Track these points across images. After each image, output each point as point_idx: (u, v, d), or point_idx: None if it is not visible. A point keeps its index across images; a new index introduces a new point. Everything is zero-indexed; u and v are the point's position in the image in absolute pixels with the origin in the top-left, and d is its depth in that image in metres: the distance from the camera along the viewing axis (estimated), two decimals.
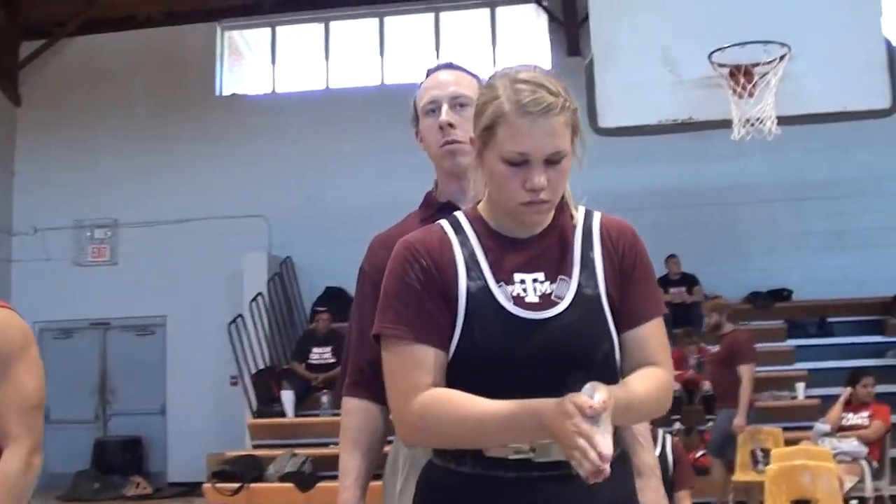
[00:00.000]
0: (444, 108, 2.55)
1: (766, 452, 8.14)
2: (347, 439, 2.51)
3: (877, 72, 6.91)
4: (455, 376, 1.98)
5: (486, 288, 1.99)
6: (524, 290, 2.00)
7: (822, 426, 8.04)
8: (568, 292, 2.00)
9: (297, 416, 11.45)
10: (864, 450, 7.78)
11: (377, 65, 14.71)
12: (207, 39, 14.40)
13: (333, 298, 12.88)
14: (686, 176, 13.04)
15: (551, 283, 2.01)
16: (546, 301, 1.98)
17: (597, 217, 2.12)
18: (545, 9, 14.70)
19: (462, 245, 2.04)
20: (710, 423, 9.48)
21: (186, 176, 13.74)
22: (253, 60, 15.04)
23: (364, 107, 13.77)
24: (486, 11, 15.08)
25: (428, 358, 1.97)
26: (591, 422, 1.75)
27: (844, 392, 8.39)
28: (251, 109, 14.08)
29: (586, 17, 14.02)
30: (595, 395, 1.78)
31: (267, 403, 11.77)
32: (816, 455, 6.31)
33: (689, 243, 12.49)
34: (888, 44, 6.94)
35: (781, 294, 12.80)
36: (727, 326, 8.99)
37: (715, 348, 9.64)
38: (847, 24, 6.97)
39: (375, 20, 14.84)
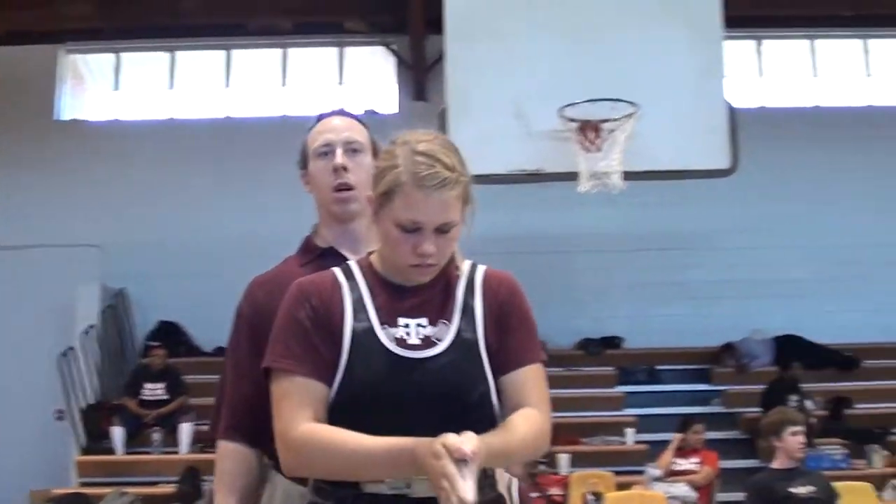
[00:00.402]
0: (339, 151, 2.61)
1: (598, 496, 8.39)
2: (223, 483, 2.53)
3: (718, 133, 7.31)
4: (339, 411, 2.07)
5: (371, 329, 2.11)
6: (407, 333, 2.12)
7: (653, 471, 8.35)
8: (447, 335, 2.13)
9: (127, 453, 11.17)
10: (693, 495, 8.12)
11: (223, 97, 14.64)
12: (48, 62, 14.02)
13: (168, 333, 12.69)
14: (524, 223, 13.38)
15: (433, 326, 2.13)
16: (426, 343, 2.11)
17: (481, 269, 2.27)
18: (394, 52, 14.92)
19: (351, 290, 2.17)
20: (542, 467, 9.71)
21: (20, 201, 13.30)
22: (95, 86, 14.72)
23: (209, 139, 13.68)
24: (334, 51, 15.20)
25: (312, 391, 2.08)
26: (459, 465, 1.86)
27: (675, 438, 8.73)
28: (92, 136, 13.75)
29: (435, 63, 14.41)
30: (467, 442, 1.89)
31: (96, 439, 11.45)
32: (650, 499, 6.56)
33: (525, 289, 12.83)
34: (729, 107, 7.34)
35: (613, 342, 13.25)
36: None
37: None
38: (692, 87, 7.35)
39: (223, 52, 14.77)
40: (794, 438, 6.27)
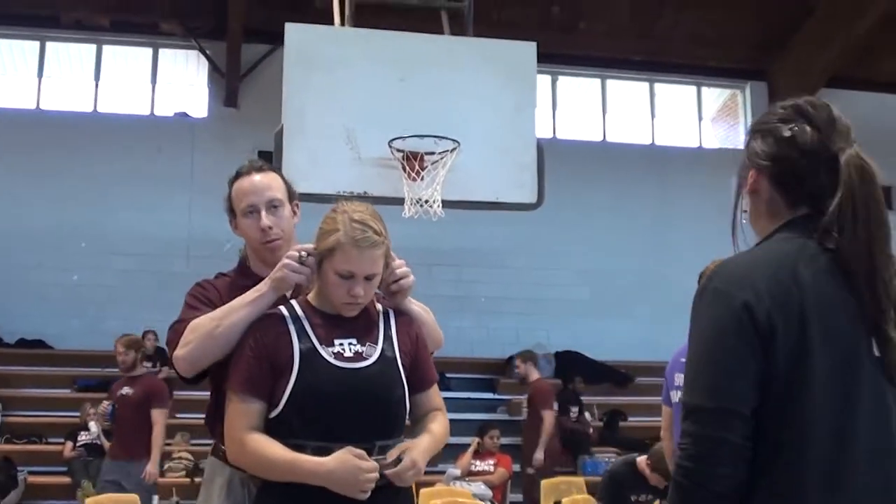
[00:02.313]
0: (263, 213, 3.22)
1: None
2: None
3: (528, 171, 8.16)
4: (293, 409, 2.80)
5: (314, 348, 2.86)
6: (342, 349, 2.88)
7: (453, 471, 9.20)
8: (374, 352, 2.91)
9: None
10: (489, 493, 9.01)
11: (37, 88, 14.70)
12: None
13: None
14: None
15: (362, 345, 2.90)
16: (358, 357, 2.88)
17: (390, 311, 3.08)
18: (208, 57, 15.26)
19: (293, 321, 2.91)
20: None
21: None
22: None
23: (18, 129, 13.76)
24: (148, 51, 15.43)
25: (254, 408, 2.84)
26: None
27: (474, 442, 9.61)
28: None
29: (249, 71, 14.87)
30: (404, 457, 2.80)
31: None
32: (459, 494, 7.38)
33: None
34: (539, 148, 8.22)
35: None
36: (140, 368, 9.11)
37: None
38: (507, 128, 8.18)
39: (36, 43, 14.80)
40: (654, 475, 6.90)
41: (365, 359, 2.87)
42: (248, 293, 2.97)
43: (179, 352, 3.01)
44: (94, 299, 14.49)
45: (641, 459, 7.07)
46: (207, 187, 14.80)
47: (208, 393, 11.34)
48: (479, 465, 9.91)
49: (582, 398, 13.42)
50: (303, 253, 2.92)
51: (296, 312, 2.93)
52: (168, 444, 12.33)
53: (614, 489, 7.09)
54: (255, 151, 15.07)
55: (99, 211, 14.66)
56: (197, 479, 11.32)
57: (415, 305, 3.16)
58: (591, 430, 12.99)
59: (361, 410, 2.80)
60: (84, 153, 14.63)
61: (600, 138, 16.85)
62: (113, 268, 14.77)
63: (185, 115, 15.52)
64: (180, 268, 14.93)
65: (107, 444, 11.53)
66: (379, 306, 3.05)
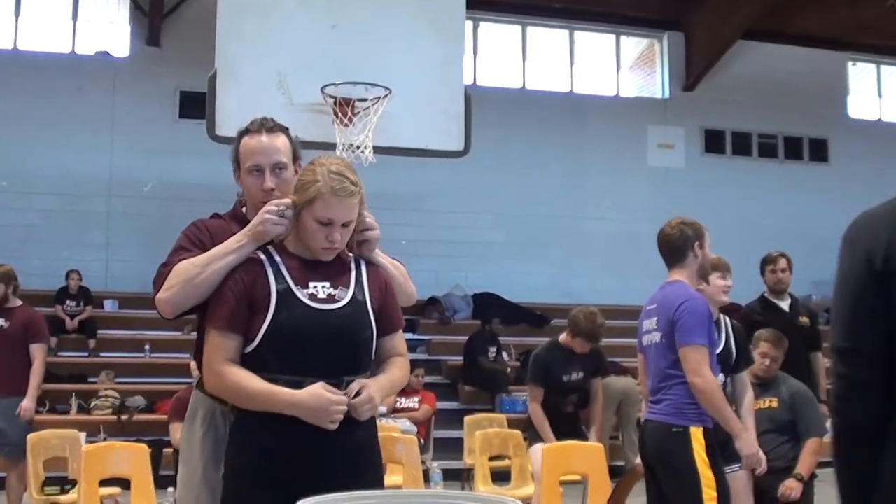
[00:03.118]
0: (268, 174, 3.40)
1: None
2: None
3: (456, 119, 8.43)
4: (268, 345, 3.07)
5: (289, 289, 3.12)
6: (316, 291, 3.14)
7: (380, 408, 9.52)
8: (346, 295, 3.17)
9: None
10: (414, 429, 9.37)
11: None
12: None
13: None
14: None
15: (334, 288, 3.17)
16: (331, 299, 3.14)
17: (361, 260, 3.31)
18: None
19: (270, 264, 3.17)
20: None
21: None
22: None
23: None
24: None
25: (231, 342, 3.09)
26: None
27: None
28: None
29: (171, 11, 14.84)
30: (363, 391, 3.06)
31: None
32: (388, 429, 7.73)
33: None
34: (467, 97, 8.49)
35: None
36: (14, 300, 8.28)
37: None
38: (436, 77, 8.42)
39: None
40: (574, 339, 7.26)
41: (337, 301, 3.13)
42: (229, 242, 3.21)
43: (163, 295, 3.24)
44: (15, 239, 14.46)
45: (563, 336, 7.39)
46: (129, 127, 15.03)
47: (131, 332, 11.58)
48: (405, 402, 10.26)
49: (499, 339, 13.84)
50: (282, 207, 3.16)
51: (272, 256, 3.19)
52: (93, 383, 12.50)
53: (543, 371, 7.36)
54: (178, 92, 15.17)
55: (19, 150, 14.63)
56: (123, 417, 11.54)
57: (384, 259, 3.41)
58: (509, 370, 13.42)
59: (332, 348, 3.08)
60: (3, 91, 14.56)
61: (520, 85, 17.16)
62: (34, 208, 14.79)
63: (106, 53, 15.44)
64: (101, 207, 15.03)
65: None
66: (350, 255, 3.31)
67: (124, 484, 6.98)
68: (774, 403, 6.33)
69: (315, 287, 3.14)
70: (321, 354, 3.06)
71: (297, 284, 3.12)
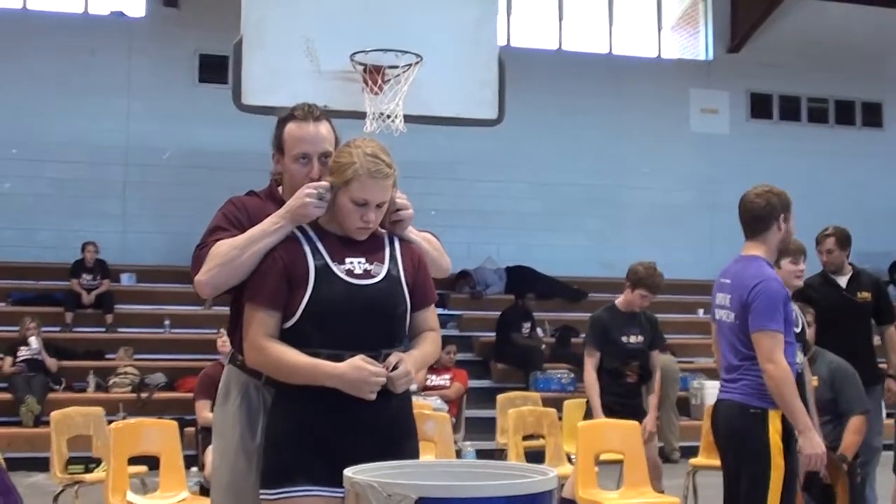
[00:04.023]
0: (316, 165, 3.67)
1: None
2: None
3: (489, 87, 8.67)
4: (308, 320, 3.40)
5: (327, 265, 3.45)
6: (352, 266, 3.47)
7: (411, 386, 9.83)
8: (381, 271, 3.50)
9: None
10: (445, 407, 9.69)
11: None
12: None
13: None
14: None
15: (370, 264, 3.49)
16: (367, 275, 3.47)
17: (395, 236, 3.63)
18: None
19: (307, 242, 3.50)
20: None
21: None
22: None
23: None
24: None
25: (271, 318, 3.43)
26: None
27: None
28: None
29: None
30: (400, 364, 3.39)
31: None
32: (419, 407, 8.03)
33: None
34: (501, 64, 8.73)
35: None
36: None
37: None
38: (469, 43, 8.65)
39: None
40: (640, 299, 7.47)
41: (373, 276, 3.47)
42: (267, 223, 3.51)
43: (202, 277, 3.55)
44: (27, 209, 14.86)
45: (619, 299, 7.62)
46: (145, 92, 15.31)
47: (150, 307, 11.98)
48: (435, 380, 10.59)
49: (533, 314, 14.12)
50: (322, 190, 3.47)
51: (308, 234, 3.52)
52: (111, 360, 12.89)
53: (602, 332, 7.54)
54: (197, 55, 15.46)
55: (29, 116, 14.95)
56: (143, 394, 11.91)
57: (416, 235, 3.73)
58: (543, 347, 13.71)
59: (369, 322, 3.42)
60: (13, 53, 14.87)
61: (556, 46, 17.35)
62: (46, 176, 15.13)
63: (121, 14, 15.71)
64: (117, 176, 15.35)
65: (48, 360, 12.06)
66: (384, 231, 3.63)
67: (150, 463, 7.38)
68: (814, 382, 6.42)
69: (351, 263, 3.47)
70: (359, 328, 3.40)
71: (333, 260, 3.45)
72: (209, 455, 7.58)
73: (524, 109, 15.06)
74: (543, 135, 16.55)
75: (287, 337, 3.42)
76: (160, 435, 6.60)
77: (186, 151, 15.18)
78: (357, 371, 3.32)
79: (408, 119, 8.64)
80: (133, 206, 15.42)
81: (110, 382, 12.26)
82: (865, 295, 7.46)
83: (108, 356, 13.07)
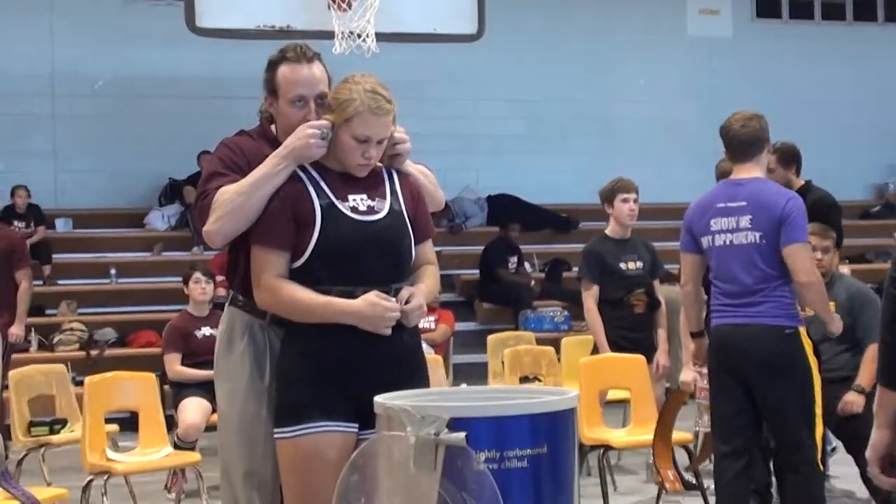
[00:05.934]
0: (313, 107, 4.16)
1: None
2: None
3: None
4: (318, 258, 3.94)
5: (332, 203, 3.99)
6: (356, 203, 4.02)
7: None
8: (384, 207, 4.06)
9: None
10: (431, 350, 10.23)
11: None
12: None
13: None
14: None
15: (372, 200, 4.05)
16: (370, 211, 4.03)
17: (392, 170, 4.18)
18: None
19: (309, 181, 4.03)
20: None
21: None
22: None
23: None
24: None
25: (279, 258, 3.97)
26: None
27: None
28: None
29: None
30: (411, 298, 3.96)
31: None
32: None
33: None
34: None
35: None
36: None
37: None
38: None
39: None
40: (624, 205, 7.81)
41: (377, 212, 4.01)
42: (268, 165, 4.01)
43: (211, 227, 4.06)
44: None
45: (609, 227, 8.03)
46: (73, 12, 15.30)
47: (92, 255, 12.49)
48: (421, 322, 11.06)
49: (520, 247, 14.56)
50: (324, 129, 3.99)
51: (310, 173, 4.04)
52: (52, 315, 13.29)
53: (597, 262, 7.88)
54: None
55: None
56: (93, 352, 12.34)
57: (413, 168, 4.28)
58: (533, 283, 14.20)
59: (378, 258, 3.97)
60: None
61: None
62: None
63: None
64: (44, 109, 15.46)
65: None
66: (381, 166, 4.16)
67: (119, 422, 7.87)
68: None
69: (355, 200, 4.02)
70: (369, 264, 3.95)
71: (338, 198, 3.99)
72: (182, 411, 8.15)
73: (500, 20, 15.30)
74: (522, 47, 16.67)
75: (296, 276, 3.94)
76: (138, 388, 7.06)
77: (122, 79, 15.28)
78: (372, 307, 3.87)
79: (380, 38, 8.99)
80: (64, 143, 15.52)
81: (55, 340, 12.65)
82: None
83: (48, 312, 13.43)
